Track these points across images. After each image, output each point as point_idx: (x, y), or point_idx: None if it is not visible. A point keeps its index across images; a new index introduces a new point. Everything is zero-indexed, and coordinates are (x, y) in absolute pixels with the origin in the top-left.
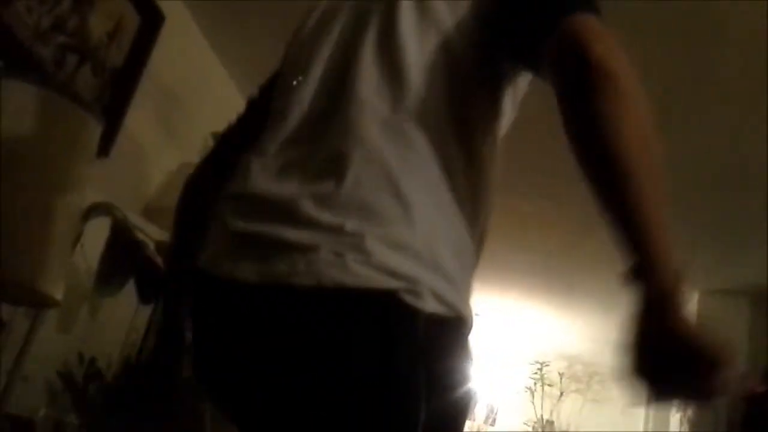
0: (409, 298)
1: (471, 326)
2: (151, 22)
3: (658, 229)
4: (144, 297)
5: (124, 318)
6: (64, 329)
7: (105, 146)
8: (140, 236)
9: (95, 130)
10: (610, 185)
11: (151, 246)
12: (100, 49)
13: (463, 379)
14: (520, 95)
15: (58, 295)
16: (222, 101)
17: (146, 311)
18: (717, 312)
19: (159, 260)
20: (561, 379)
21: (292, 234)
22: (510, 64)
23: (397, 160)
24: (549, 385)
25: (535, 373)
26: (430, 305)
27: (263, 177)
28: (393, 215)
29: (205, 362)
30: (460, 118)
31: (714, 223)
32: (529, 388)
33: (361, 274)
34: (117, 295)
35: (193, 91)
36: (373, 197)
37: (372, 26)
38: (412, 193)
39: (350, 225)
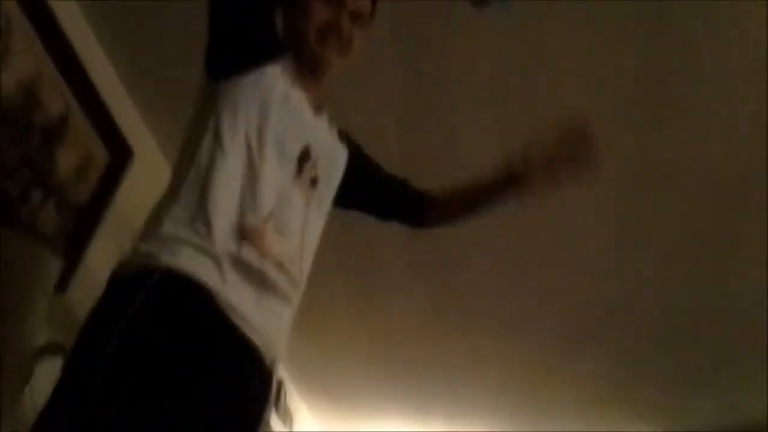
0: None
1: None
2: (120, 158)
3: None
4: None
5: None
6: None
7: (62, 283)
8: None
9: (54, 267)
10: None
11: None
12: (67, 185)
13: None
14: None
15: None
16: None
17: None
18: None
19: None
20: None
21: None
22: None
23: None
24: None
25: None
26: None
27: None
28: None
29: None
30: None
31: (682, 364)
32: None
33: None
34: None
35: None
36: None
37: None
38: None
39: None
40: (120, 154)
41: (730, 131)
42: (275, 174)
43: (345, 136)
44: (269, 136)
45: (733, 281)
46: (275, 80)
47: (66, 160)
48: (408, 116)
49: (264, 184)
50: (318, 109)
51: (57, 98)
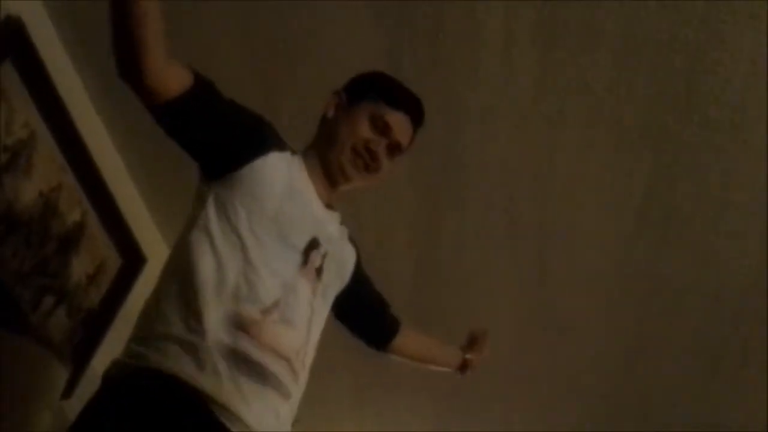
0: None
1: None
2: (133, 264)
3: None
4: None
5: None
6: None
7: (69, 388)
8: None
9: (61, 374)
10: None
11: None
12: (78, 291)
13: None
14: None
15: None
16: None
17: None
18: None
19: None
20: None
21: None
22: None
23: None
24: None
25: None
26: None
27: None
28: None
29: None
30: None
31: None
32: None
33: None
34: None
35: None
36: None
37: None
38: None
39: None
40: (133, 260)
41: (736, 250)
42: (277, 264)
43: (353, 241)
44: (267, 228)
45: (743, 397)
46: (277, 170)
47: (80, 267)
48: (420, 231)
49: (262, 275)
50: (329, 205)
51: (74, 207)
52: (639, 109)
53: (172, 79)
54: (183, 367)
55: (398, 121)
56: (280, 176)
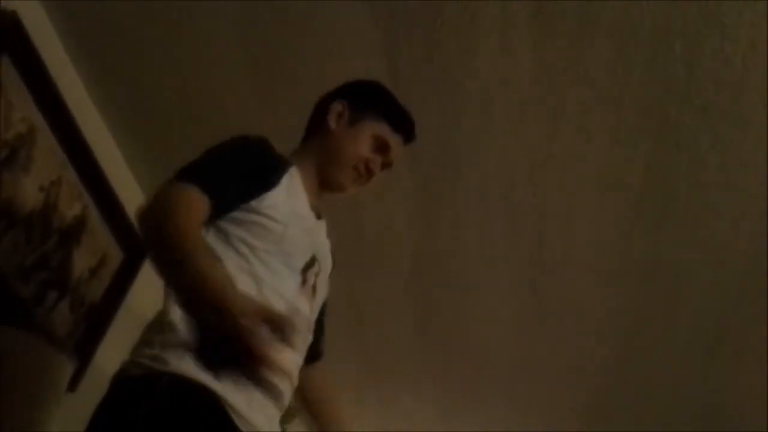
0: None
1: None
2: (134, 257)
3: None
4: None
5: None
6: None
7: (74, 382)
8: None
9: (66, 367)
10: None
11: None
12: (81, 285)
13: None
14: None
15: None
16: None
17: None
18: None
19: None
20: None
21: None
22: None
23: None
24: None
25: None
26: None
27: None
28: None
29: None
30: None
31: None
32: None
33: None
34: None
35: None
36: None
37: None
38: None
39: None
40: (134, 254)
41: (736, 233)
42: (283, 288)
43: (332, 254)
44: (274, 255)
45: (742, 380)
46: (281, 198)
47: (81, 261)
48: (418, 218)
49: (273, 301)
50: (318, 215)
51: (75, 201)
52: (637, 94)
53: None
54: (200, 374)
55: (397, 144)
56: (284, 202)
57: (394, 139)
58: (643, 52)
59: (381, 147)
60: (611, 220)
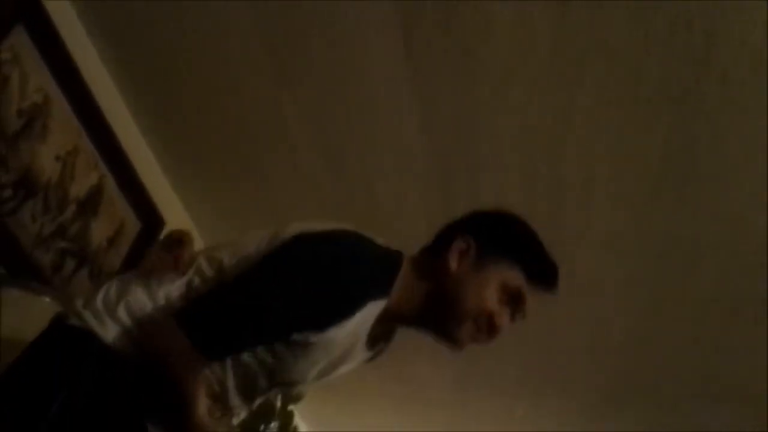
0: None
1: None
2: (152, 226)
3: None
4: None
5: None
6: None
7: None
8: None
9: None
10: None
11: None
12: (99, 254)
13: None
14: None
15: None
16: None
17: None
18: None
19: None
20: None
21: None
22: None
23: None
24: None
25: None
26: None
27: None
28: None
29: None
30: None
31: None
32: None
33: None
34: None
35: None
36: None
37: None
38: None
39: None
40: (151, 222)
41: (755, 206)
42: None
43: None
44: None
45: (761, 353)
46: (338, 337)
47: (99, 230)
48: (434, 191)
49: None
50: (374, 343)
51: (91, 170)
52: (657, 66)
53: None
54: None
55: (534, 295)
56: (345, 338)
57: (529, 290)
58: (662, 23)
59: (513, 298)
60: (630, 193)
